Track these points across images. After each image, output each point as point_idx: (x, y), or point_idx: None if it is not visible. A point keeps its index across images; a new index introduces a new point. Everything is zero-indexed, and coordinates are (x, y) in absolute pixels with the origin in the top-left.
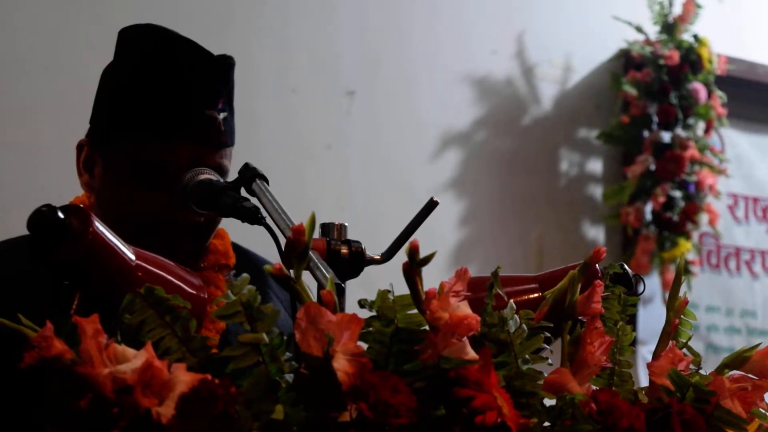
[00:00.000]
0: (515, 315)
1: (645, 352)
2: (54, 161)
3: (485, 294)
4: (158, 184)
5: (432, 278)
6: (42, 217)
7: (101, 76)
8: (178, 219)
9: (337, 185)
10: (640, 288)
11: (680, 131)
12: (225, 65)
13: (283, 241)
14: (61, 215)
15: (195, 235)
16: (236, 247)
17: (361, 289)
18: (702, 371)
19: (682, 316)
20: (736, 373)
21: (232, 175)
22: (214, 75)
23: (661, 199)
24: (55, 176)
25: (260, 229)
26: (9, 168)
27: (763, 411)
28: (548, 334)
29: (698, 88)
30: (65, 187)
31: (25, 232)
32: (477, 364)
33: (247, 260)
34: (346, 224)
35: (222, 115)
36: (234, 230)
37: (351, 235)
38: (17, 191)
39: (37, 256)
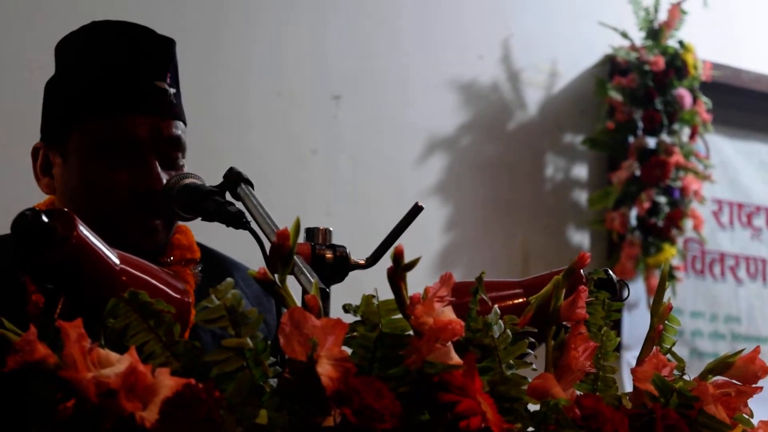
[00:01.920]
0: (500, 320)
1: (629, 358)
2: None
3: (470, 299)
4: (123, 160)
5: (417, 283)
6: (26, 221)
7: (45, 88)
8: (149, 190)
9: (324, 190)
10: (625, 293)
11: (665, 137)
12: (167, 41)
13: (267, 245)
14: (45, 219)
15: (164, 209)
16: (200, 246)
17: (345, 293)
18: (686, 377)
19: (666, 322)
20: (720, 378)
21: (217, 179)
22: (158, 49)
23: (646, 205)
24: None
25: (245, 234)
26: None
27: (747, 416)
28: (532, 340)
29: (683, 93)
30: None
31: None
32: (461, 369)
33: (211, 257)
34: (332, 229)
35: (172, 90)
36: (218, 235)
37: (338, 240)
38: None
39: (21, 259)
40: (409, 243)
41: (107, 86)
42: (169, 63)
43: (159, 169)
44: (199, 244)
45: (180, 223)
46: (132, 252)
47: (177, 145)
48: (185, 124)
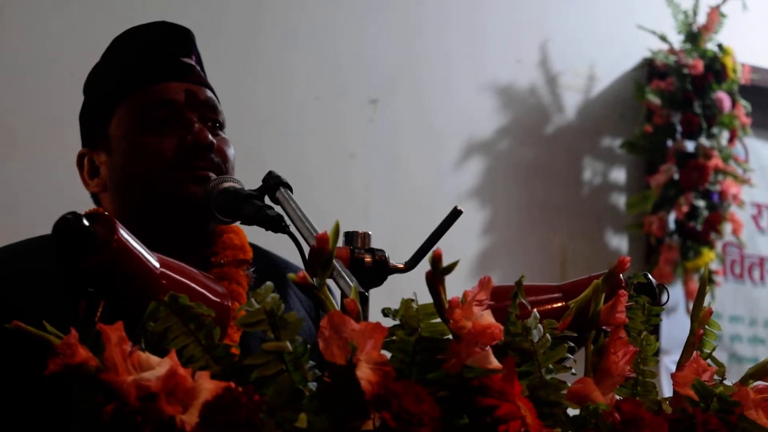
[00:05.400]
0: (539, 324)
1: (668, 362)
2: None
3: (509, 303)
4: (166, 124)
5: (455, 287)
6: (67, 225)
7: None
8: (196, 141)
9: (361, 193)
10: (664, 298)
11: (704, 140)
12: (184, 29)
13: (306, 249)
14: (85, 223)
15: (211, 163)
16: (254, 246)
17: (384, 297)
18: (726, 382)
19: (706, 327)
20: (760, 383)
21: (256, 183)
22: (178, 34)
23: (685, 209)
24: (80, 183)
25: (284, 237)
26: (37, 176)
27: None
28: (572, 344)
29: (722, 97)
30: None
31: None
32: (500, 374)
33: (266, 259)
34: (370, 233)
35: (200, 70)
36: (258, 238)
37: (376, 244)
38: (45, 198)
39: (62, 263)
40: (447, 247)
41: (136, 67)
42: (192, 46)
43: (201, 125)
44: (253, 246)
45: (234, 225)
46: (179, 208)
47: (214, 109)
48: (221, 108)
